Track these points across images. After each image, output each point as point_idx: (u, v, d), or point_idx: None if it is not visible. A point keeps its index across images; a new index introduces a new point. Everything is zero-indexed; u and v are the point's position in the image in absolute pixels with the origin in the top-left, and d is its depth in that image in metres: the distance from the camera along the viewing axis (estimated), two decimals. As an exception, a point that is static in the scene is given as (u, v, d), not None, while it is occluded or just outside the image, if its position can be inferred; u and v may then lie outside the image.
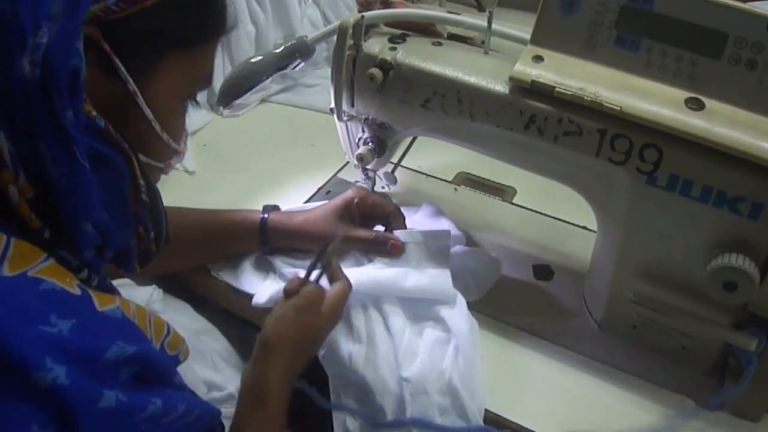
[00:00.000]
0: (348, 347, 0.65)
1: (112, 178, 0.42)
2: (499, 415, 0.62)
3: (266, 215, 0.74)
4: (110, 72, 0.41)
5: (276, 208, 0.77)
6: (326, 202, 0.76)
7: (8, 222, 0.38)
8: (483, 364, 0.65)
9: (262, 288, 0.72)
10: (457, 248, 0.75)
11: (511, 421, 0.62)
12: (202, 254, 0.76)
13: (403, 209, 0.77)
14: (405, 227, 0.74)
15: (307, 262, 0.74)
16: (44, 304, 0.36)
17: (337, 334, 0.66)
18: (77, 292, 0.39)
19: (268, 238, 0.74)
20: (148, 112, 0.44)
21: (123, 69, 0.41)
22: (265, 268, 0.75)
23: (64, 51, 0.37)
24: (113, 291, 0.46)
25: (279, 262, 0.74)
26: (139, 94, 0.43)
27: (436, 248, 0.71)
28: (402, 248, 0.71)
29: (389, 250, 0.71)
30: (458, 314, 0.67)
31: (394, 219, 0.74)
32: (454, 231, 0.76)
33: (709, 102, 0.58)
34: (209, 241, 0.75)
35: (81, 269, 0.42)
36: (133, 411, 0.39)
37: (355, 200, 0.73)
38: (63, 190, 0.38)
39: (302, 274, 0.71)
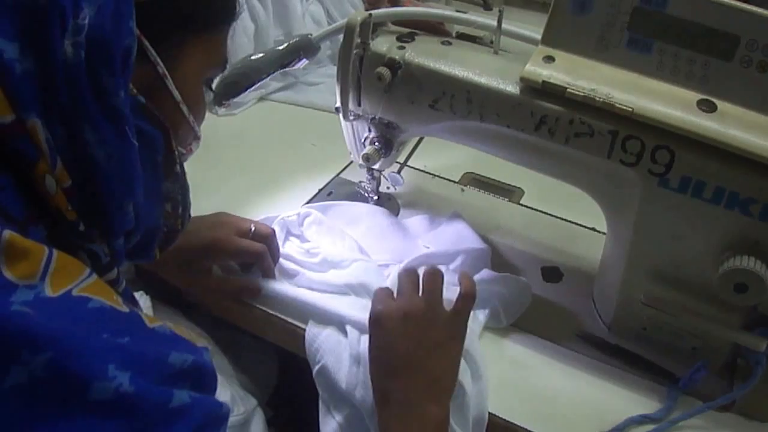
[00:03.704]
0: (346, 369, 0.62)
1: (148, 154, 0.43)
2: (504, 419, 0.62)
3: None
4: (139, 56, 0.41)
5: None
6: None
7: (43, 222, 0.37)
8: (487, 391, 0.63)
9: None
10: (484, 273, 0.72)
11: (517, 425, 0.62)
12: None
13: (425, 219, 0.78)
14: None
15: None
16: (95, 323, 0.34)
17: (336, 354, 0.64)
18: (125, 309, 0.37)
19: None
20: (176, 94, 0.45)
21: (153, 52, 0.42)
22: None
23: (118, 31, 0.37)
24: (137, 305, 0.45)
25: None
26: (168, 76, 0.43)
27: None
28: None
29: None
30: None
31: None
32: (479, 244, 0.76)
33: (721, 104, 0.57)
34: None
35: (110, 267, 0.41)
36: (208, 410, 0.37)
37: None
38: (109, 171, 0.38)
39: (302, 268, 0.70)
